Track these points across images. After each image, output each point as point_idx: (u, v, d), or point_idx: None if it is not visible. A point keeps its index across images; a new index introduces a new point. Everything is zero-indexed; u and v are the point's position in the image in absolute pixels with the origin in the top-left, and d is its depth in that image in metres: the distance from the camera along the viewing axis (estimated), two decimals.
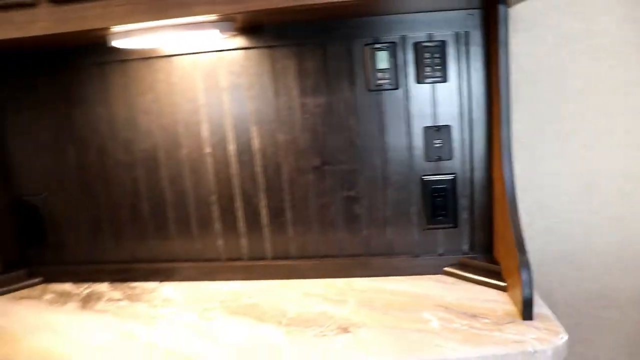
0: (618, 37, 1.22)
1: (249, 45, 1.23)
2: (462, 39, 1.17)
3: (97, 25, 0.95)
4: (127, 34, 1.05)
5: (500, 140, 1.10)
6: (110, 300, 1.28)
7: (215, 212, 1.32)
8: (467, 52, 1.18)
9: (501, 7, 1.06)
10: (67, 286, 1.39)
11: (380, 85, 1.20)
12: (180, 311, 1.18)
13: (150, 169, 1.33)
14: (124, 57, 1.28)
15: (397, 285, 1.23)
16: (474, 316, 1.04)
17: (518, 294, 1.04)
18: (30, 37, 0.99)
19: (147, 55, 1.27)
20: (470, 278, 1.21)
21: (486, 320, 1.02)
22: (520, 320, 1.01)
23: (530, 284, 1.00)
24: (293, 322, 1.08)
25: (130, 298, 1.27)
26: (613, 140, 1.27)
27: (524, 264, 1.01)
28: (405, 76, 1.20)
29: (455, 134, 1.22)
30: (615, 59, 1.24)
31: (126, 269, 1.38)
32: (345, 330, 1.03)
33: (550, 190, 1.30)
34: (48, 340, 1.09)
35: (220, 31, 1.04)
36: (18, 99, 1.36)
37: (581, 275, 1.33)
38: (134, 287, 1.35)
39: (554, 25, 1.22)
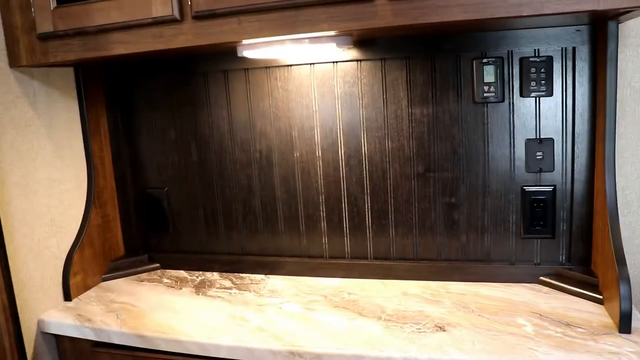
0: None
1: (363, 58, 1.65)
2: (568, 55, 1.52)
3: (231, 39, 1.39)
4: (254, 46, 1.48)
5: (604, 153, 1.41)
6: (221, 287, 1.76)
7: (322, 212, 1.79)
8: (573, 67, 1.52)
9: (611, 24, 1.38)
10: (182, 273, 1.93)
11: (486, 98, 1.58)
12: (285, 301, 1.62)
13: (264, 169, 1.82)
14: (246, 66, 1.75)
15: (492, 291, 1.60)
16: (568, 325, 1.35)
17: (616, 306, 1.32)
18: (172, 49, 1.46)
19: (267, 65, 1.74)
20: (566, 289, 1.55)
21: (581, 330, 1.32)
22: (616, 333, 1.30)
23: (629, 296, 1.28)
24: (391, 318, 1.47)
25: (239, 287, 1.75)
26: None
27: (624, 277, 1.29)
28: (511, 90, 1.57)
29: (557, 147, 1.57)
30: None
31: (236, 260, 1.89)
32: (441, 328, 1.39)
33: None
34: (170, 318, 1.55)
35: (338, 45, 1.44)
36: (150, 100, 1.90)
37: None
38: (243, 278, 1.84)
39: None
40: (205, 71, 1.84)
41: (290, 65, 1.75)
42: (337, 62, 1.71)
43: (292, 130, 1.80)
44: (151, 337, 1.51)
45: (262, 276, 1.88)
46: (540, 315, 1.44)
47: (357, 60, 1.69)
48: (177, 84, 1.89)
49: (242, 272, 1.92)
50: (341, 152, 1.77)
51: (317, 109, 1.77)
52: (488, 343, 1.32)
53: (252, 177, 1.88)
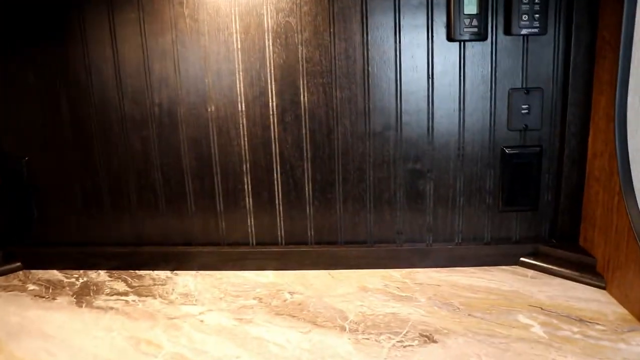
0: None
1: None
2: None
3: None
4: None
5: (615, 107, 1.18)
6: (112, 293, 1.32)
7: (247, 184, 1.40)
8: (572, 1, 1.27)
9: None
10: (55, 274, 1.44)
11: (465, 34, 1.27)
12: (207, 309, 1.23)
13: (165, 129, 1.39)
14: None
15: (470, 278, 1.33)
16: (581, 321, 1.12)
17: (636, 294, 1.12)
18: None
19: None
20: (555, 270, 1.34)
21: (600, 327, 1.10)
22: None
23: None
24: (358, 326, 1.14)
25: (139, 291, 1.32)
26: None
27: None
28: (494, 25, 1.28)
29: (547, 99, 1.32)
30: None
31: (129, 253, 1.45)
32: (429, 338, 1.09)
33: None
34: (39, 349, 1.09)
35: None
36: (5, 34, 1.39)
37: None
38: (141, 277, 1.40)
39: None
40: None
41: None
42: None
43: (204, 76, 1.37)
44: None
45: (168, 273, 1.45)
46: (542, 308, 1.20)
47: None
48: (40, 9, 1.38)
49: (139, 269, 1.46)
50: (272, 105, 1.38)
51: (239, 46, 1.35)
52: (499, 357, 1.03)
53: (149, 140, 1.42)
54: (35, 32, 1.39)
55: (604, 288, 1.27)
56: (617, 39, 1.17)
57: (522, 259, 1.42)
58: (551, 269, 1.37)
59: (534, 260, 1.41)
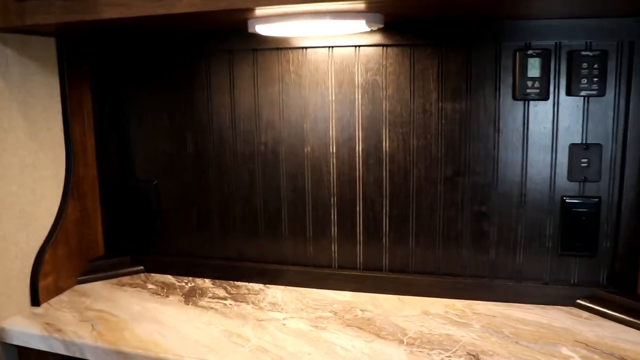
0: None
1: (389, 43, 1.46)
2: (625, 50, 1.36)
3: (245, 5, 1.15)
4: (269, 19, 1.29)
5: None
6: (214, 297, 1.56)
7: (334, 215, 1.59)
8: (630, 64, 1.36)
9: None
10: (169, 278, 1.72)
11: (529, 94, 1.40)
12: (289, 317, 1.43)
13: (269, 164, 1.62)
14: (255, 46, 1.55)
15: (525, 313, 1.43)
16: (622, 358, 1.20)
17: None
18: (171, 15, 1.22)
19: (279, 46, 1.54)
20: (609, 314, 1.39)
21: None
22: None
23: None
24: (415, 341, 1.29)
25: (235, 297, 1.55)
26: None
27: None
28: (556, 87, 1.40)
29: (605, 154, 1.41)
30: None
31: (230, 266, 1.68)
32: (475, 357, 1.22)
33: None
34: (154, 331, 1.35)
35: (367, 22, 1.26)
36: (143, 80, 1.69)
37: None
38: (238, 286, 1.63)
39: None
40: (209, 50, 1.63)
41: (305, 48, 1.55)
42: (359, 46, 1.52)
43: (303, 122, 1.60)
44: (132, 354, 1.29)
45: (261, 286, 1.68)
46: (587, 345, 1.28)
47: (382, 45, 1.50)
48: (175, 63, 1.68)
49: (237, 280, 1.71)
50: (359, 148, 1.57)
51: (333, 98, 1.57)
52: None
53: (255, 172, 1.67)
54: (168, 78, 1.68)
55: None
56: None
57: (578, 301, 1.47)
58: (606, 312, 1.42)
59: (589, 303, 1.46)
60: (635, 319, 1.37)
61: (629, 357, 1.21)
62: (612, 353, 1.24)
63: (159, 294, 1.62)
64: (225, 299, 1.58)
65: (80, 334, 1.36)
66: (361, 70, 1.53)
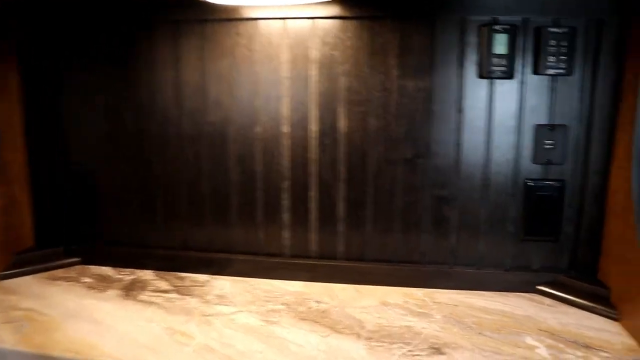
0: None
1: (348, 15, 1.38)
2: (594, 28, 1.32)
3: None
4: None
5: (634, 146, 1.16)
6: (156, 290, 1.44)
7: (286, 200, 1.49)
8: (598, 43, 1.32)
9: None
10: (107, 270, 1.58)
11: (494, 72, 1.34)
12: (238, 310, 1.33)
13: (216, 145, 1.50)
14: (204, 17, 1.43)
15: (487, 301, 1.38)
16: (587, 347, 1.16)
17: None
18: None
19: (230, 16, 1.42)
20: (571, 300, 1.37)
21: (605, 354, 1.14)
22: None
23: None
24: (373, 335, 1.22)
25: (180, 290, 1.44)
26: None
27: None
28: (523, 65, 1.35)
29: (570, 136, 1.37)
30: None
31: (175, 256, 1.57)
32: (438, 350, 1.16)
33: None
34: (89, 332, 1.23)
35: None
36: (77, 53, 1.54)
37: None
38: (183, 278, 1.52)
39: None
40: (152, 20, 1.50)
41: (258, 19, 1.44)
42: (315, 18, 1.42)
43: (254, 100, 1.49)
44: (61, 359, 1.16)
45: (207, 277, 1.56)
46: (551, 333, 1.24)
47: (341, 18, 1.41)
48: (113, 35, 1.53)
49: (182, 271, 1.59)
50: (313, 128, 1.48)
51: (287, 74, 1.47)
52: None
53: (201, 154, 1.55)
54: (106, 52, 1.54)
55: (617, 319, 1.30)
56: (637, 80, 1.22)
57: (540, 287, 1.45)
58: (567, 298, 1.40)
59: (551, 289, 1.44)
60: (597, 304, 1.35)
61: (593, 345, 1.19)
62: (576, 341, 1.21)
63: (96, 289, 1.48)
64: (168, 292, 1.46)
65: (3, 338, 1.21)
66: (317, 44, 1.43)
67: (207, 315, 1.33)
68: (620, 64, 1.33)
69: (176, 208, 1.58)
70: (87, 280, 1.53)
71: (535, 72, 1.37)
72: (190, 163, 1.55)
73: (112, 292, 1.45)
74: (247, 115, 1.49)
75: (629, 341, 1.21)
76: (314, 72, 1.45)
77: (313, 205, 1.51)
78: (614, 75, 1.35)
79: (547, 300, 1.42)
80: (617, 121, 1.35)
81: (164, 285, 1.50)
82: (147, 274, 1.57)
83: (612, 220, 1.36)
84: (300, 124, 1.48)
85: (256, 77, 1.47)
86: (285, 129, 1.49)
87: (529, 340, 1.21)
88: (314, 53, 1.44)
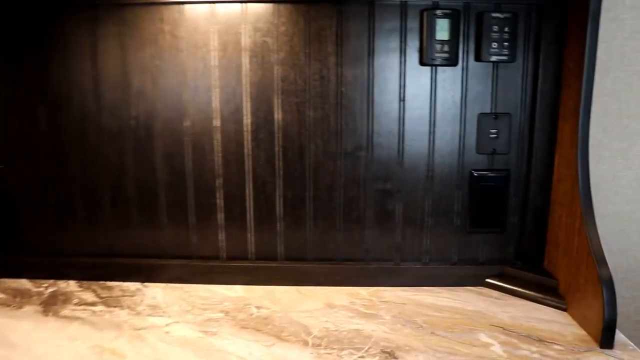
0: None
1: None
2: (535, 13, 1.30)
3: None
4: None
5: (578, 134, 1.21)
6: (80, 303, 1.32)
7: (219, 199, 1.41)
8: (539, 29, 1.30)
9: None
10: (24, 283, 1.44)
11: (437, 59, 1.29)
12: (173, 322, 1.24)
13: (141, 142, 1.39)
14: (121, 0, 1.32)
15: (434, 298, 1.35)
16: (540, 341, 1.15)
17: (592, 316, 1.15)
18: None
19: (151, 0, 1.32)
20: (519, 292, 1.36)
21: (558, 347, 1.13)
22: (598, 349, 1.12)
23: (613, 304, 1.10)
24: (321, 341, 1.15)
25: (107, 302, 1.32)
26: None
27: (606, 280, 1.11)
28: (465, 52, 1.31)
29: (514, 125, 1.35)
30: None
31: (101, 264, 1.44)
32: (390, 355, 1.10)
33: (610, 196, 1.46)
34: (1, 358, 1.09)
35: None
36: None
37: (633, 295, 1.51)
38: (111, 288, 1.40)
39: (636, 6, 1.36)
40: (62, 5, 1.36)
41: (183, 3, 1.34)
42: (247, 1, 1.33)
43: (181, 92, 1.39)
44: None
45: (138, 285, 1.45)
46: (503, 329, 1.22)
47: (274, 2, 1.33)
48: (21, 20, 1.38)
49: (109, 280, 1.46)
50: (247, 122, 1.39)
51: (216, 63, 1.37)
52: None
53: (124, 152, 1.43)
54: (13, 41, 1.39)
55: (565, 310, 1.30)
56: (580, 69, 1.21)
57: (487, 280, 1.43)
58: (515, 290, 1.39)
59: (499, 281, 1.42)
60: (546, 295, 1.35)
61: (546, 338, 1.18)
62: (529, 335, 1.19)
63: (11, 305, 1.34)
64: (94, 304, 1.34)
65: None
66: (249, 30, 1.34)
67: (139, 329, 1.22)
68: (561, 51, 1.31)
69: (99, 211, 1.46)
70: (0, 296, 1.39)
71: (478, 59, 1.33)
72: (113, 162, 1.43)
73: (29, 309, 1.32)
74: (174, 109, 1.39)
75: (579, 331, 1.20)
76: (246, 61, 1.36)
77: (249, 204, 1.43)
78: (555, 62, 1.33)
79: (495, 293, 1.40)
80: (560, 109, 1.33)
81: (89, 297, 1.38)
82: (70, 285, 1.44)
83: (556, 209, 1.35)
84: (232, 117, 1.38)
85: (183, 67, 1.37)
86: (217, 122, 1.39)
87: (483, 338, 1.18)
88: (246, 40, 1.35)
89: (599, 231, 1.20)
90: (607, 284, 1.12)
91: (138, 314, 1.29)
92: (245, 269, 1.44)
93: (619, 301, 1.18)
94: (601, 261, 1.15)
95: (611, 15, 1.38)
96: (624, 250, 1.52)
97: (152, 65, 1.37)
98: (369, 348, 1.14)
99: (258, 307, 1.32)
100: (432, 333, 1.20)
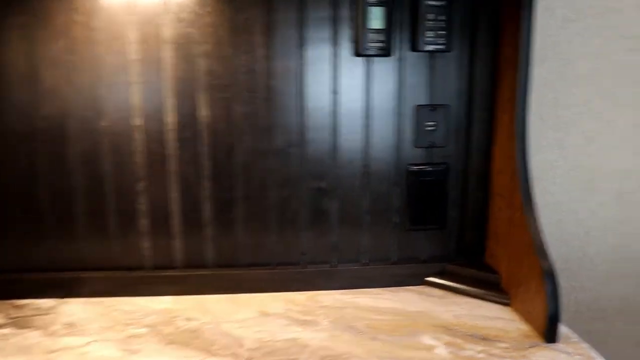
0: (637, 16, 1.40)
1: None
2: (470, 1, 1.28)
3: None
4: None
5: (516, 125, 1.19)
6: None
7: (142, 204, 1.31)
8: (474, 17, 1.29)
9: None
10: None
11: (371, 49, 1.25)
12: (92, 340, 1.14)
13: (54, 144, 1.29)
14: None
15: (375, 300, 1.31)
16: (485, 339, 1.12)
17: (537, 310, 1.13)
18: None
19: None
20: (461, 289, 1.34)
21: (503, 345, 1.10)
22: (543, 344, 1.10)
23: (556, 297, 1.08)
24: (255, 354, 1.07)
25: (17, 323, 1.21)
26: (618, 134, 1.45)
27: (549, 273, 1.09)
28: (401, 41, 1.28)
29: (452, 116, 1.33)
30: (630, 41, 1.41)
31: (10, 280, 1.32)
32: None
33: (548, 186, 1.46)
34: None
35: None
36: None
37: (573, 286, 1.52)
38: (21, 307, 1.29)
39: None
40: None
41: None
42: None
43: (97, 88, 1.28)
44: None
45: (53, 302, 1.33)
46: (447, 329, 1.18)
47: None
48: None
49: (21, 298, 1.34)
50: (170, 120, 1.31)
51: (136, 57, 1.28)
52: None
53: (35, 155, 1.31)
54: None
55: (508, 305, 1.28)
56: (517, 57, 1.19)
57: (429, 278, 1.40)
58: (458, 287, 1.37)
59: (441, 279, 1.40)
60: (488, 291, 1.33)
61: (490, 336, 1.15)
62: (473, 334, 1.16)
63: None
64: (2, 326, 1.22)
65: None
66: (171, 21, 1.26)
67: (52, 352, 1.11)
68: (496, 39, 1.30)
69: (8, 221, 1.33)
70: None
71: (414, 48, 1.30)
72: (22, 166, 1.31)
73: None
74: (90, 107, 1.29)
75: (523, 327, 1.18)
76: (168, 54, 1.27)
77: (175, 208, 1.34)
78: (492, 51, 1.32)
79: (438, 292, 1.37)
80: (497, 99, 1.31)
81: None
82: None
83: (497, 202, 1.34)
84: (154, 115, 1.30)
85: (99, 61, 1.27)
86: (137, 121, 1.30)
87: (426, 340, 1.14)
88: (168, 31, 1.26)
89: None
90: (550, 277, 1.10)
91: (51, 334, 1.18)
92: (173, 279, 1.36)
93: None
94: (543, 254, 1.13)
95: (544, 4, 1.37)
96: (562, 240, 1.52)
97: (64, 59, 1.26)
98: (306, 358, 1.07)
99: (187, 320, 1.24)
100: (373, 338, 1.15)
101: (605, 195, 1.50)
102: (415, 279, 1.40)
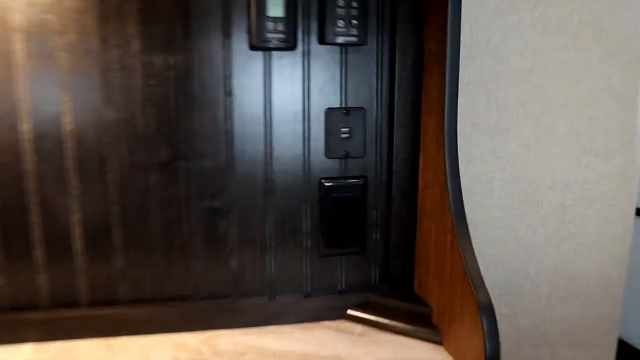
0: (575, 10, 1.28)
1: None
2: None
3: None
4: None
5: (444, 131, 1.05)
6: None
7: None
8: (394, 5, 1.14)
9: None
10: None
11: (270, 41, 1.09)
12: None
13: None
14: None
15: (282, 341, 1.14)
16: None
17: (473, 350, 0.99)
18: None
19: None
20: (387, 325, 1.18)
21: None
22: None
23: (495, 336, 0.94)
24: None
25: None
26: (557, 140, 1.35)
27: (486, 308, 0.95)
28: (306, 32, 1.13)
29: (370, 121, 1.19)
30: (568, 36, 1.30)
31: None
32: None
33: (480, 201, 1.33)
34: None
35: None
36: None
37: (513, 311, 1.40)
38: None
39: None
40: None
41: None
42: None
43: None
44: None
45: None
46: None
47: None
48: None
49: None
50: (25, 128, 1.09)
51: None
52: None
53: None
54: None
55: (440, 343, 1.13)
56: (443, 52, 1.05)
57: (349, 311, 1.24)
58: (381, 322, 1.20)
59: (362, 312, 1.24)
60: (416, 326, 1.17)
61: None
62: None
63: None
64: None
65: None
66: (21, 4, 1.05)
67: None
68: (420, 32, 1.16)
69: None
70: None
71: (322, 41, 1.14)
72: None
73: None
74: None
75: None
76: (18, 47, 1.06)
77: (36, 235, 1.13)
78: (414, 44, 1.17)
79: (358, 328, 1.20)
80: (422, 100, 1.17)
81: None
82: None
83: (425, 221, 1.19)
84: (4, 122, 1.08)
85: None
86: None
87: None
88: (18, 18, 1.05)
89: (473, 242, 1.03)
90: (487, 312, 0.95)
91: None
92: (36, 322, 1.14)
93: (498, 319, 1.00)
94: (478, 283, 0.99)
95: None
96: (500, 261, 1.39)
97: None
98: None
99: None
100: None
101: (546, 209, 1.38)
102: (333, 313, 1.23)
